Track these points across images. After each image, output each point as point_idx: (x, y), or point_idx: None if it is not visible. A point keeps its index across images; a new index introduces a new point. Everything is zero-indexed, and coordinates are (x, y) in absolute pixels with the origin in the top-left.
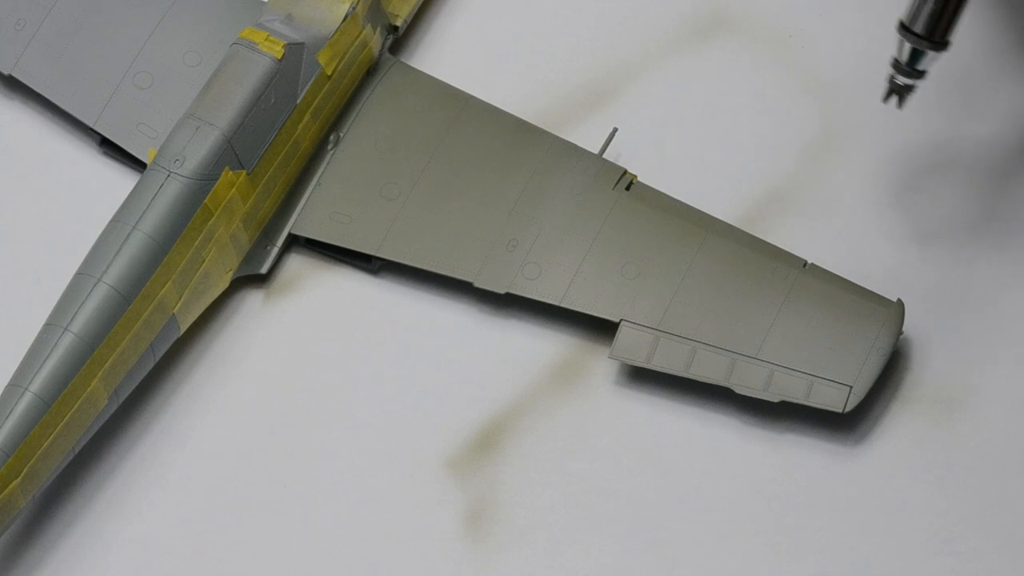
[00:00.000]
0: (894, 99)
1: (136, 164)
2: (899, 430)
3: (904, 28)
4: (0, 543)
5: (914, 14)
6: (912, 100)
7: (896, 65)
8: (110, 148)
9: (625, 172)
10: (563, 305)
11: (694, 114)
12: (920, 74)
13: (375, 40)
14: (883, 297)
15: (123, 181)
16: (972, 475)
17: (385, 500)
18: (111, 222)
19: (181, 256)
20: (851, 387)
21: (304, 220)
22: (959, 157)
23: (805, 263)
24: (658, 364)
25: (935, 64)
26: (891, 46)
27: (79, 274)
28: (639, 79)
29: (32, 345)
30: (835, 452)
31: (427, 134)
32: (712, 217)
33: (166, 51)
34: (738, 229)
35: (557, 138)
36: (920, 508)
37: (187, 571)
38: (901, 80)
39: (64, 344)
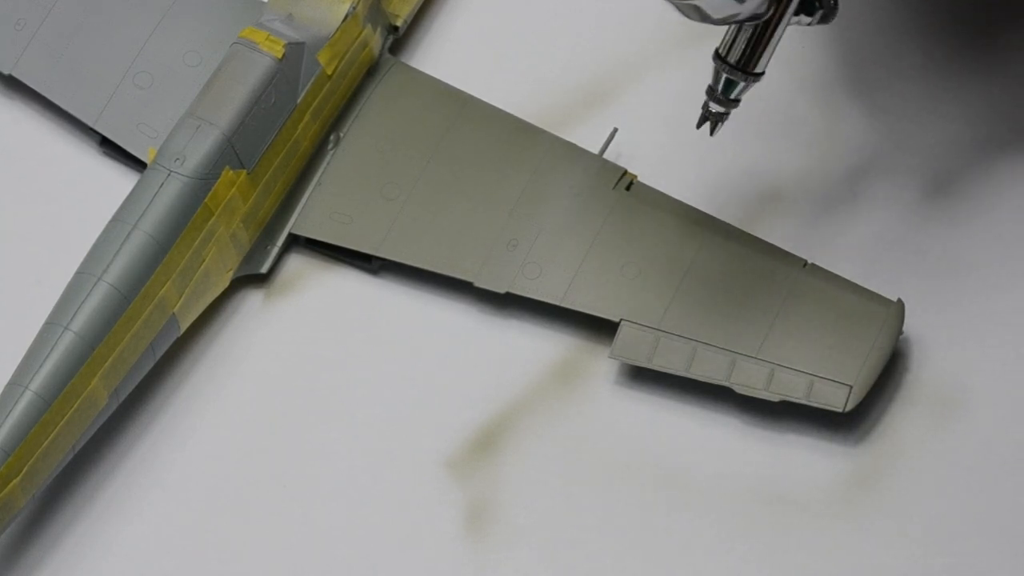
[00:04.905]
0: (707, 126)
1: (136, 164)
2: (899, 430)
3: (718, 57)
4: (0, 543)
5: (728, 44)
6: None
7: (710, 93)
8: (110, 148)
9: (625, 172)
10: (563, 305)
11: (694, 114)
12: (734, 103)
13: (375, 40)
14: (883, 297)
15: (123, 181)
16: (972, 475)
17: (385, 500)
18: (111, 221)
19: (181, 255)
20: (851, 386)
21: (304, 220)
22: (955, 160)
23: (805, 263)
24: (658, 364)
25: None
26: (892, 46)
27: (79, 273)
28: (639, 79)
29: (32, 344)
30: (835, 452)
31: (427, 134)
32: (712, 217)
33: (166, 51)
34: (738, 229)
35: (557, 138)
36: (920, 508)
37: (187, 571)
38: (715, 108)
39: (64, 343)
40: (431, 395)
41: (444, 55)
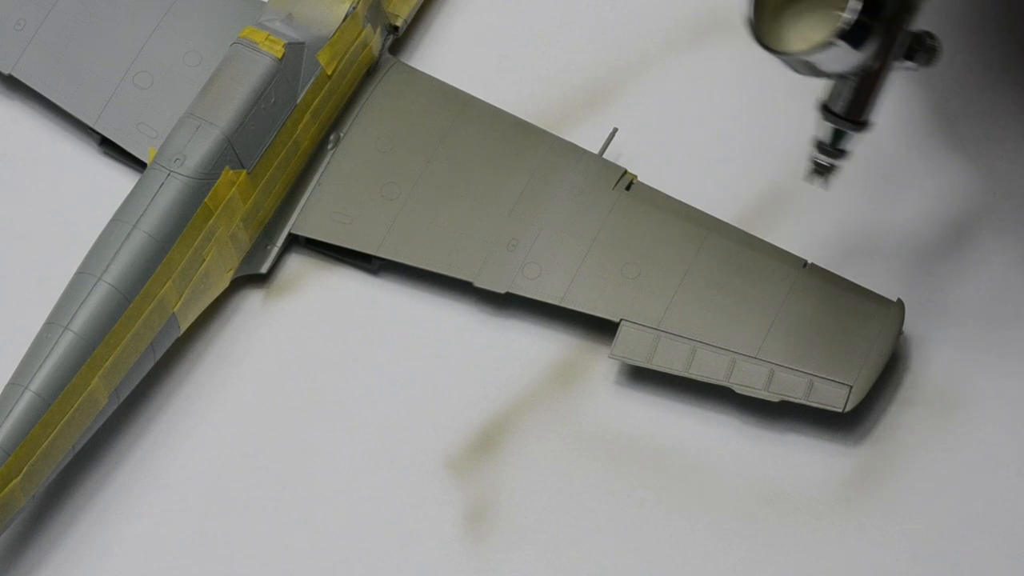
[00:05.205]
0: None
1: (136, 164)
2: (899, 430)
3: (825, 109)
4: (0, 543)
5: (834, 95)
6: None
7: (819, 145)
8: (110, 148)
9: (625, 172)
10: (563, 305)
11: (694, 114)
12: (842, 153)
13: (375, 40)
14: (883, 297)
15: (123, 181)
16: (972, 475)
17: (385, 500)
18: (111, 221)
19: (181, 255)
20: (851, 386)
21: (304, 220)
22: (956, 160)
23: (805, 263)
24: (658, 364)
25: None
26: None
27: (79, 273)
28: (639, 79)
29: (32, 344)
30: (835, 452)
31: (427, 134)
32: (712, 217)
33: (166, 51)
34: (738, 229)
35: (557, 138)
36: (920, 508)
37: (187, 571)
38: (824, 160)
39: (64, 343)
40: (431, 395)
41: (444, 55)
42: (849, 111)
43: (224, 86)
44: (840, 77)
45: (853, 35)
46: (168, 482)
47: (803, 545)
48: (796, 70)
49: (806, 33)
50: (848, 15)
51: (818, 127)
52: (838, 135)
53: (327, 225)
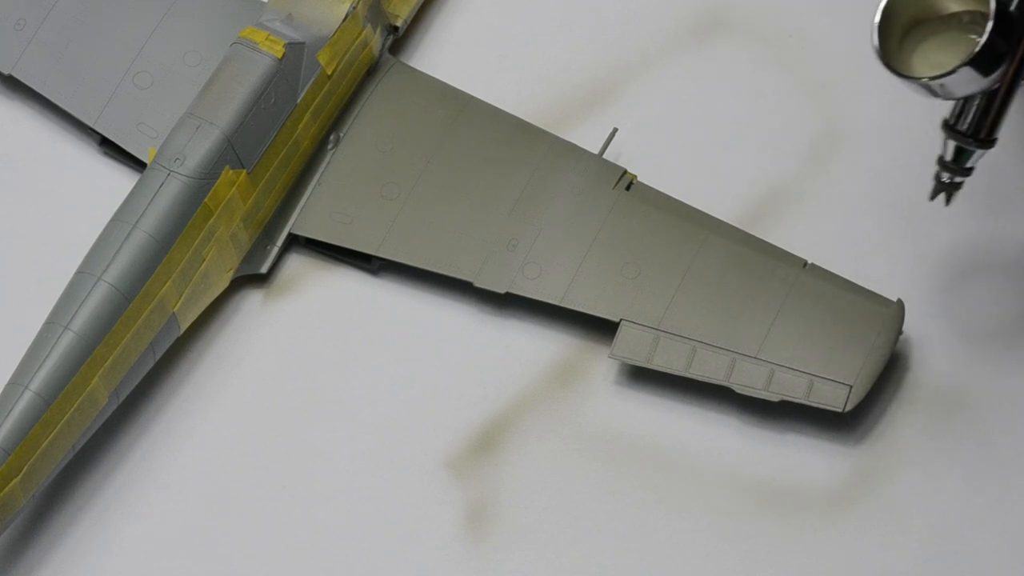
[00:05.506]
0: (942, 197)
1: (136, 164)
2: (899, 430)
3: (948, 127)
4: (0, 543)
5: (958, 112)
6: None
7: (942, 163)
8: (110, 148)
9: (625, 172)
10: (563, 305)
11: (694, 114)
12: (967, 171)
13: (375, 40)
14: (883, 297)
15: (123, 181)
16: (972, 475)
17: (385, 500)
18: (111, 221)
19: (181, 255)
20: (851, 386)
21: (304, 220)
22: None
23: (805, 263)
24: (658, 364)
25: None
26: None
27: (79, 272)
28: (639, 79)
29: (32, 343)
30: (835, 452)
31: (427, 134)
32: (712, 217)
33: (166, 51)
34: (738, 229)
35: (557, 138)
36: (920, 508)
37: (187, 571)
38: (947, 178)
39: (64, 342)
40: (431, 395)
41: (444, 55)
42: (974, 129)
43: (224, 86)
44: (966, 98)
45: (983, 59)
46: (168, 482)
47: (803, 545)
48: (926, 93)
49: (933, 57)
50: (982, 39)
51: (942, 144)
52: (961, 152)
53: (327, 225)
